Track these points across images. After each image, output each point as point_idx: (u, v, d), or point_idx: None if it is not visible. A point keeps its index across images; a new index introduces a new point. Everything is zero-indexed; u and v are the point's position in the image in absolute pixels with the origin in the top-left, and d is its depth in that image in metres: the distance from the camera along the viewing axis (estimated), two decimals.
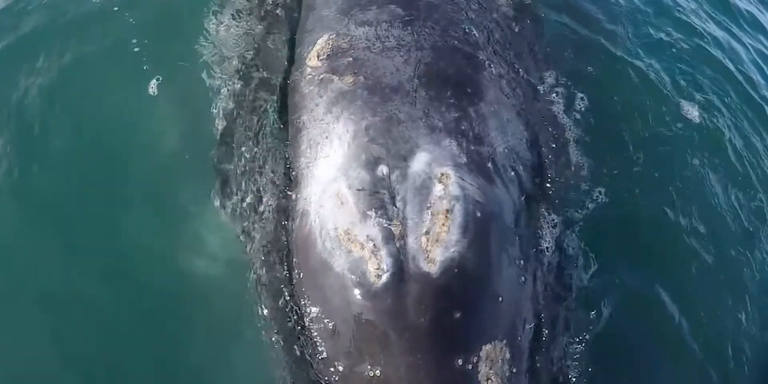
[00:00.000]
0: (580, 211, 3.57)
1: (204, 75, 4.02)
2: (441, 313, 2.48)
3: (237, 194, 3.43)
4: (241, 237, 3.35)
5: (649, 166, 4.22)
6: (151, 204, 3.74)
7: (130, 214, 3.74)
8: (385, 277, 2.51)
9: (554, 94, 3.86)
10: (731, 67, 5.39)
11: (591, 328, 3.28)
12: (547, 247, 3.13)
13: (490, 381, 2.52)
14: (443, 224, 2.57)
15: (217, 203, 3.52)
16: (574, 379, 3.04)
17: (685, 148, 4.55)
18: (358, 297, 2.55)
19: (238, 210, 3.40)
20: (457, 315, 2.49)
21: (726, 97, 5.06)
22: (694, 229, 4.11)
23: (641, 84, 4.63)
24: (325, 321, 2.69)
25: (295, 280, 2.90)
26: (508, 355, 2.58)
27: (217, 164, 3.60)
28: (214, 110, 3.84)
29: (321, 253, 2.69)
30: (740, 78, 5.33)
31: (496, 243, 2.70)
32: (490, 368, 2.53)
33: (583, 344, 3.16)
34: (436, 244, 2.53)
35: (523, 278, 2.81)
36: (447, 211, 2.60)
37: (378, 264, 2.53)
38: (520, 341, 2.70)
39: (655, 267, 3.87)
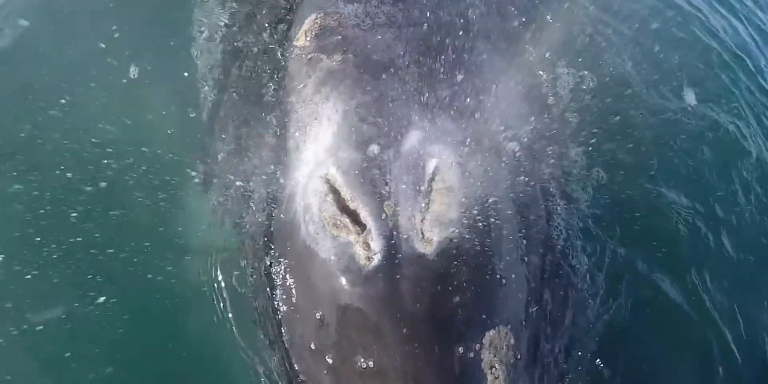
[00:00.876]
0: (581, 190, 3.44)
1: (189, 58, 3.89)
2: (439, 298, 2.32)
3: (223, 181, 3.30)
4: (227, 226, 3.22)
5: (651, 147, 4.10)
6: (135, 192, 3.59)
7: (114, 204, 3.60)
8: (376, 260, 2.34)
9: (552, 72, 3.72)
10: (731, 44, 5.28)
11: (596, 311, 3.16)
12: (549, 227, 2.98)
13: (494, 368, 2.36)
14: (441, 203, 2.42)
15: (202, 191, 3.40)
16: (579, 366, 2.91)
17: (687, 131, 4.43)
18: (347, 282, 2.39)
19: (225, 198, 3.27)
20: (457, 299, 2.32)
21: (728, 75, 4.95)
22: (696, 209, 3.99)
23: (642, 64, 4.51)
24: (313, 310, 2.52)
25: (279, 269, 2.76)
26: (512, 341, 2.42)
27: (203, 150, 3.47)
28: (200, 94, 3.72)
29: (305, 238, 2.54)
30: (742, 55, 5.21)
31: (497, 222, 2.54)
32: (494, 355, 2.37)
33: (588, 328, 3.04)
34: (434, 223, 2.38)
35: (526, 259, 2.66)
36: (445, 188, 2.45)
37: (368, 246, 2.37)
38: (525, 326, 2.55)
39: (660, 250, 3.72)
